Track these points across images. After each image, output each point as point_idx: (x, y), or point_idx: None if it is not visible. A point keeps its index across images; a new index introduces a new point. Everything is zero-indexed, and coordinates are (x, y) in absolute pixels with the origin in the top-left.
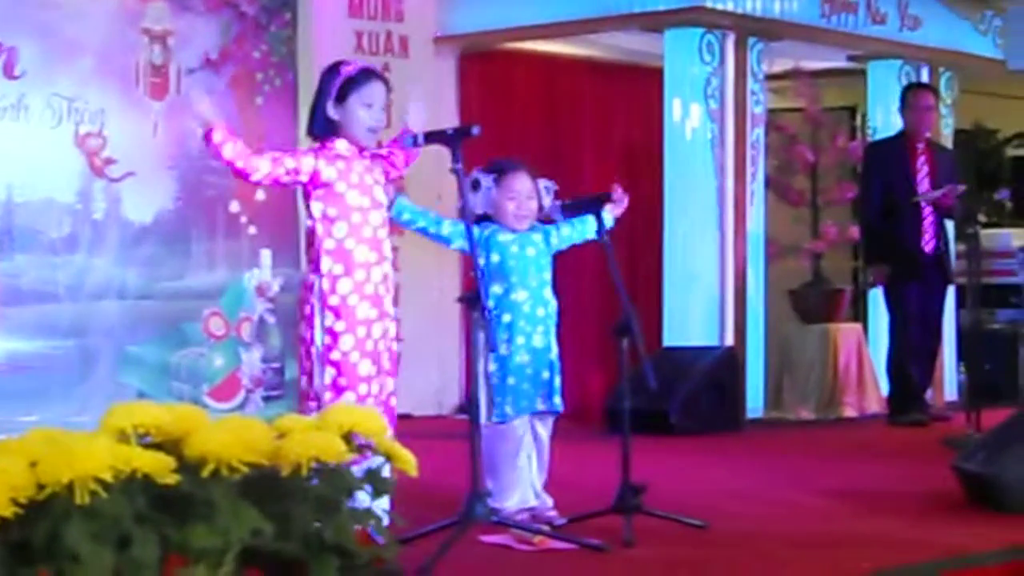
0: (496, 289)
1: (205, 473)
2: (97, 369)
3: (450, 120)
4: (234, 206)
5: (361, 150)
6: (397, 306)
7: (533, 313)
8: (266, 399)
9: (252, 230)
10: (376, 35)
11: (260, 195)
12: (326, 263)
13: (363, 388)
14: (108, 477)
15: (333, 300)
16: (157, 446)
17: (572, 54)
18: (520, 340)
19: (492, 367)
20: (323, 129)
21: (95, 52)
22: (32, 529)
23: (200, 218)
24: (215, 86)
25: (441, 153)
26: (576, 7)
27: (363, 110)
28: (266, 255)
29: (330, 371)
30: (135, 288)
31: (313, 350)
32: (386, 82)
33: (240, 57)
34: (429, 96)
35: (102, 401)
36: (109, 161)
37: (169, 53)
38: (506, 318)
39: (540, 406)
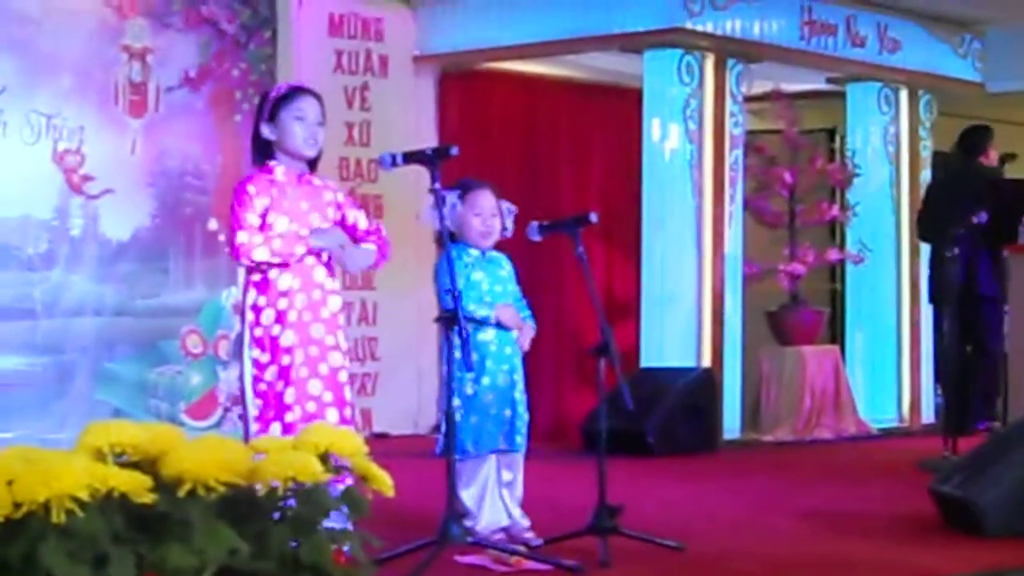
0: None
1: (182, 492)
2: (74, 386)
3: (429, 140)
4: (212, 224)
5: (300, 176)
6: (374, 325)
7: (500, 352)
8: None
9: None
10: (356, 54)
11: None
12: (251, 295)
13: (289, 416)
14: (85, 496)
15: (257, 332)
16: (134, 465)
17: (551, 74)
18: (486, 380)
19: (456, 402)
20: (260, 152)
21: (74, 69)
22: (8, 548)
23: (178, 236)
24: (194, 103)
25: (420, 173)
26: (556, 28)
27: (296, 123)
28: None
29: (257, 402)
30: (112, 305)
31: (242, 382)
32: (318, 98)
33: (219, 75)
34: (408, 115)
35: (79, 418)
36: (87, 178)
37: (148, 70)
38: (474, 356)
39: (501, 445)
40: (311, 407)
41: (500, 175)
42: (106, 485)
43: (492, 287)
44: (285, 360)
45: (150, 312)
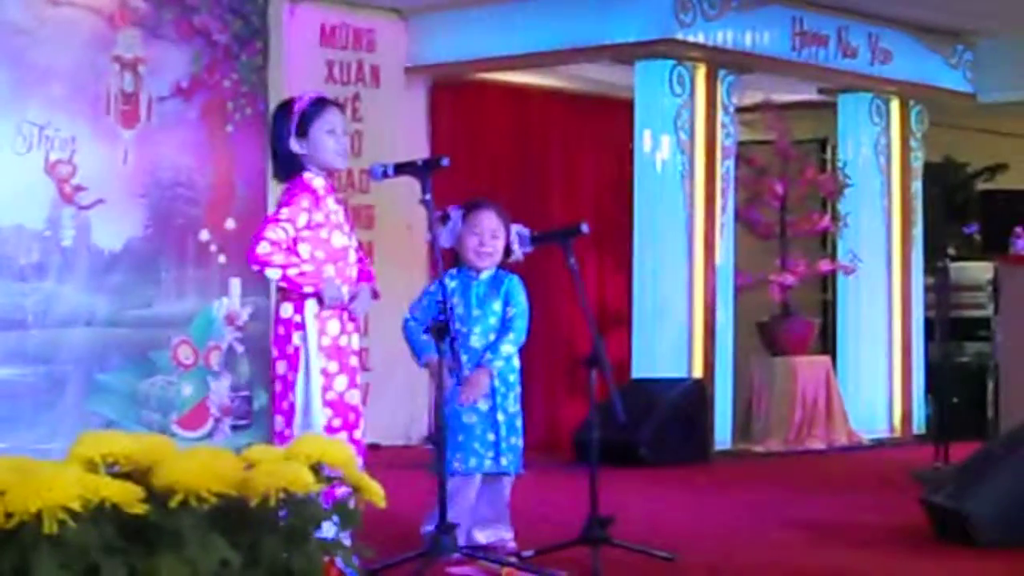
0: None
1: (173, 503)
2: (66, 396)
3: (420, 150)
4: (203, 235)
5: (332, 189)
6: (365, 335)
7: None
8: (234, 428)
9: (221, 259)
10: (347, 64)
11: (230, 224)
12: (312, 306)
13: (338, 423)
14: (77, 507)
15: (325, 341)
16: (126, 476)
17: (543, 85)
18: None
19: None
20: (288, 168)
21: (66, 79)
22: None
23: (170, 246)
24: (185, 114)
25: (411, 184)
26: (547, 39)
27: (327, 137)
28: (235, 284)
29: (327, 412)
30: (104, 316)
31: (298, 393)
32: (341, 108)
33: (211, 85)
34: (400, 126)
35: (71, 428)
36: (79, 188)
37: (140, 81)
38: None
39: (488, 467)
40: (351, 417)
41: (491, 186)
42: (98, 496)
43: (469, 311)
44: (333, 368)
45: (142, 323)
